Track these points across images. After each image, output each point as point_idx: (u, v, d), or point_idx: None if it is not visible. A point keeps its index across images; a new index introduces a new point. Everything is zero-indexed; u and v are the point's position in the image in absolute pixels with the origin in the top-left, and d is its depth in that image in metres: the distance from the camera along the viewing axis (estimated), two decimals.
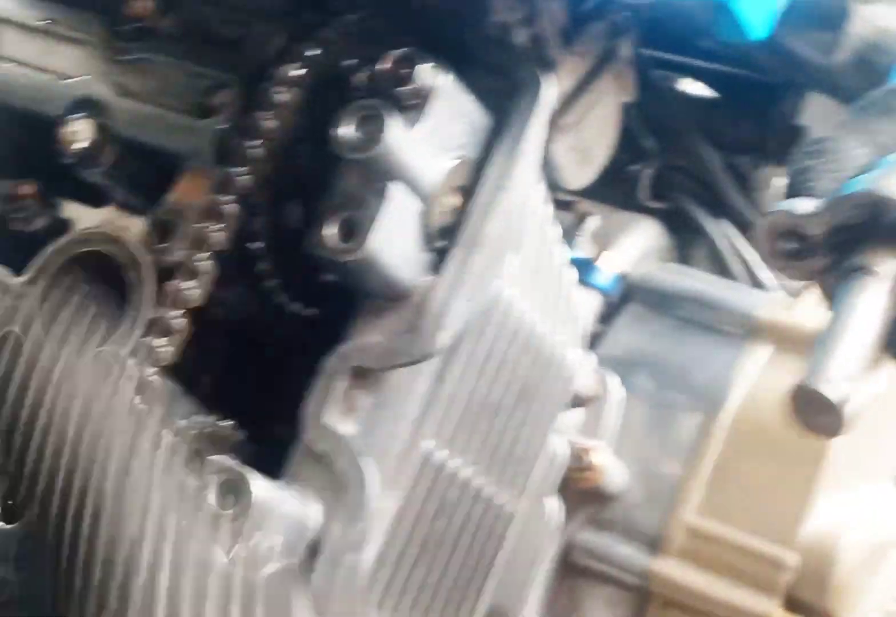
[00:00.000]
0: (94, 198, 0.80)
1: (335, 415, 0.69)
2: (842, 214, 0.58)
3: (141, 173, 0.76)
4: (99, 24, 0.79)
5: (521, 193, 0.76)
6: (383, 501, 0.72)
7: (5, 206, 0.81)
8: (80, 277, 0.76)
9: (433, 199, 0.70)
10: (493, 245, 0.73)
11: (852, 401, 0.55)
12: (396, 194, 0.68)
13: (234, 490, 0.64)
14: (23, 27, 0.80)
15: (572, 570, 0.98)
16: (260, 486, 0.64)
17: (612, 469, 0.95)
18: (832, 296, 0.59)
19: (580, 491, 0.94)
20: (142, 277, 0.72)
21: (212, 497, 0.64)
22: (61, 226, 0.80)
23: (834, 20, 1.03)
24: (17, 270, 0.77)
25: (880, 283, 0.56)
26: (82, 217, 0.81)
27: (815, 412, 0.55)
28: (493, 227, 0.72)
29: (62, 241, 0.76)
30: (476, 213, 0.72)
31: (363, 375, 0.70)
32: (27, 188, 0.79)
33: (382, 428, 0.72)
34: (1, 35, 0.81)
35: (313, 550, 0.68)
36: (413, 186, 0.69)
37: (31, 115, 0.78)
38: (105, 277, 0.75)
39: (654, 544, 0.95)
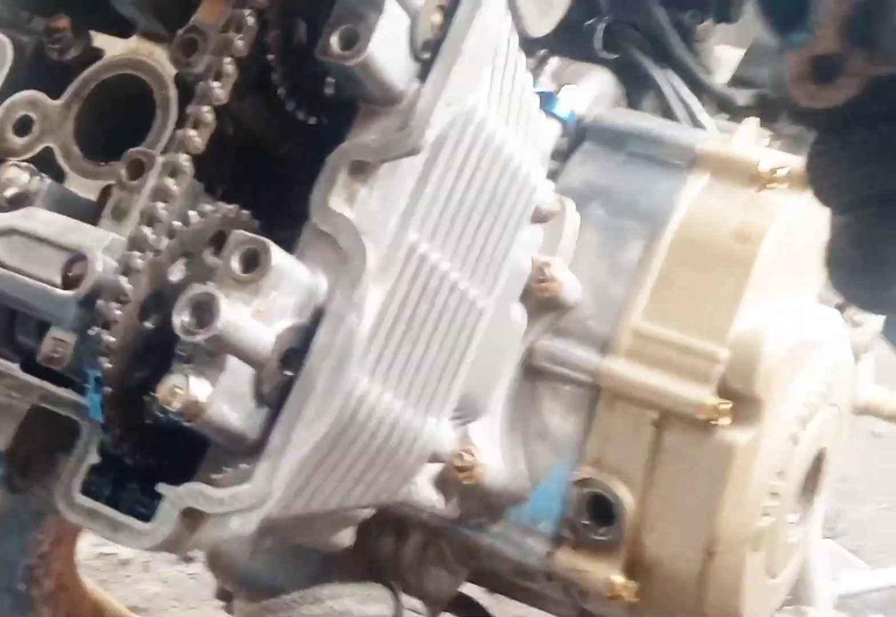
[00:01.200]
0: (122, 29, 0.84)
1: (338, 201, 0.76)
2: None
3: (168, 3, 0.81)
4: None
5: (492, 17, 0.82)
6: (377, 278, 0.79)
7: (43, 38, 0.85)
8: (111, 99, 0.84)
9: (420, 15, 0.77)
10: (470, 59, 0.80)
11: None
12: (389, 9, 0.75)
13: (255, 257, 0.72)
14: None
15: (532, 372, 1.03)
16: (278, 253, 0.72)
17: (568, 282, 1.02)
18: None
19: (540, 300, 1.01)
20: (167, 92, 0.80)
21: (235, 263, 0.72)
22: (93, 54, 0.85)
23: None
24: (55, 96, 0.83)
25: None
26: (112, 46, 0.85)
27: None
28: (470, 42, 0.79)
29: (93, 67, 0.83)
30: (455, 29, 0.79)
31: (361, 169, 0.77)
32: (62, 22, 0.84)
33: (376, 216, 0.79)
34: None
35: (319, 314, 0.76)
36: (403, 3, 0.76)
37: None
38: (136, 100, 0.82)
39: (604, 347, 1.01)
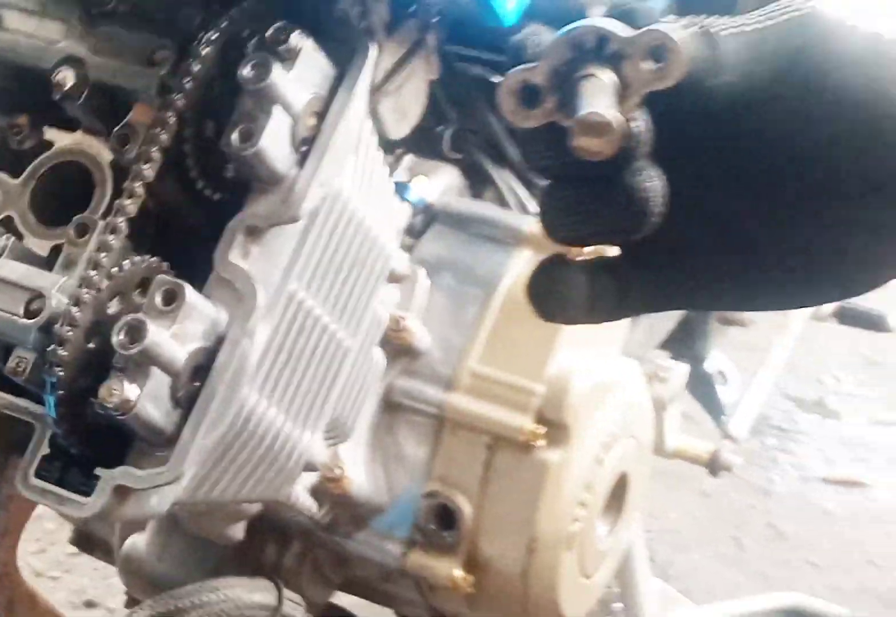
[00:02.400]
0: (69, 125, 0.96)
1: (236, 255, 0.90)
2: (561, 54, 0.58)
3: (105, 106, 0.94)
4: (76, 8, 0.96)
5: (355, 121, 0.96)
6: (265, 316, 0.91)
7: (6, 131, 0.96)
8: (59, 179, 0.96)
9: (299, 118, 0.91)
10: (336, 152, 0.93)
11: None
12: (276, 113, 0.89)
13: (173, 294, 0.86)
14: (22, 10, 0.97)
15: (390, 405, 1.13)
16: (191, 292, 0.86)
17: (419, 333, 1.12)
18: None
19: (396, 347, 1.12)
20: (104, 173, 0.94)
21: (158, 298, 0.86)
22: (45, 144, 0.96)
23: (571, 18, 1.28)
24: (15, 176, 0.95)
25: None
26: (60, 138, 0.96)
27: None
28: (336, 139, 0.93)
29: (46, 154, 0.95)
30: (325, 130, 0.93)
31: (253, 232, 0.91)
32: (22, 119, 0.96)
33: (264, 268, 0.92)
34: (6, 17, 0.97)
35: (220, 340, 0.89)
36: (287, 109, 0.90)
37: (29, 69, 0.95)
38: (79, 180, 0.95)
39: (448, 385, 1.12)
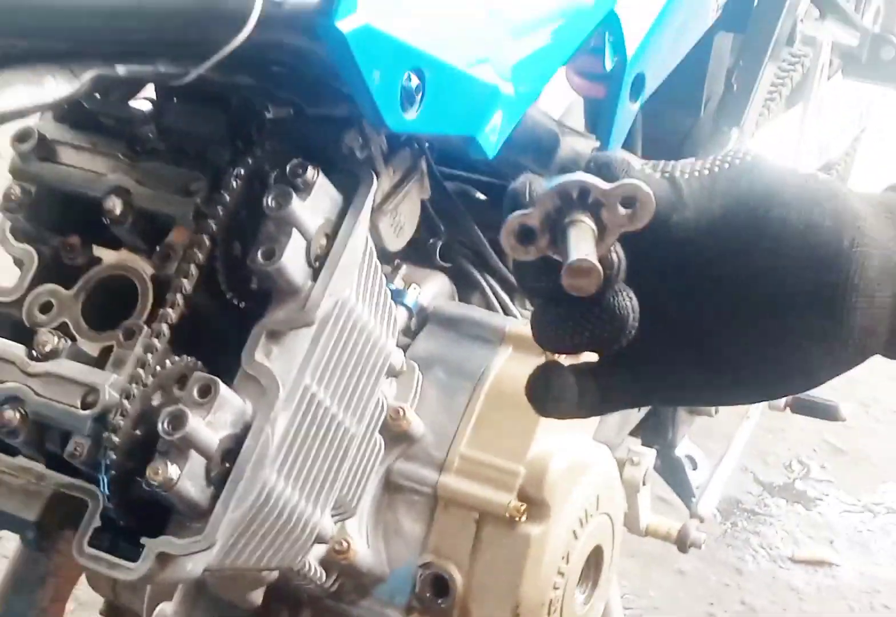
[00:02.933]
0: (115, 244, 1.03)
1: (260, 355, 0.96)
2: (551, 203, 0.65)
3: (148, 229, 1.00)
4: (122, 145, 1.03)
5: (360, 240, 1.01)
6: (284, 407, 0.97)
7: (60, 249, 1.03)
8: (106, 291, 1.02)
9: (313, 240, 0.97)
10: (345, 267, 0.99)
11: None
12: (294, 236, 0.95)
13: (208, 389, 0.92)
14: (75, 147, 1.04)
15: (390, 486, 1.18)
16: (223, 387, 0.92)
17: (415, 421, 1.16)
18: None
19: (395, 434, 1.16)
20: (146, 285, 1.00)
21: (195, 392, 0.92)
22: (94, 260, 1.03)
23: (549, 146, 1.25)
24: (68, 288, 1.01)
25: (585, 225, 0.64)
26: (107, 255, 1.03)
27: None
28: (345, 256, 0.99)
29: (95, 269, 1.02)
30: (335, 249, 0.99)
31: (274, 335, 0.96)
32: (73, 239, 1.02)
33: (284, 366, 0.97)
34: (61, 152, 1.04)
35: (247, 427, 0.95)
36: (303, 232, 0.96)
37: (82, 196, 1.02)
38: (124, 291, 1.01)
39: (441, 467, 1.16)
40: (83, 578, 1.34)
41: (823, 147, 1.91)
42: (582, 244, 0.63)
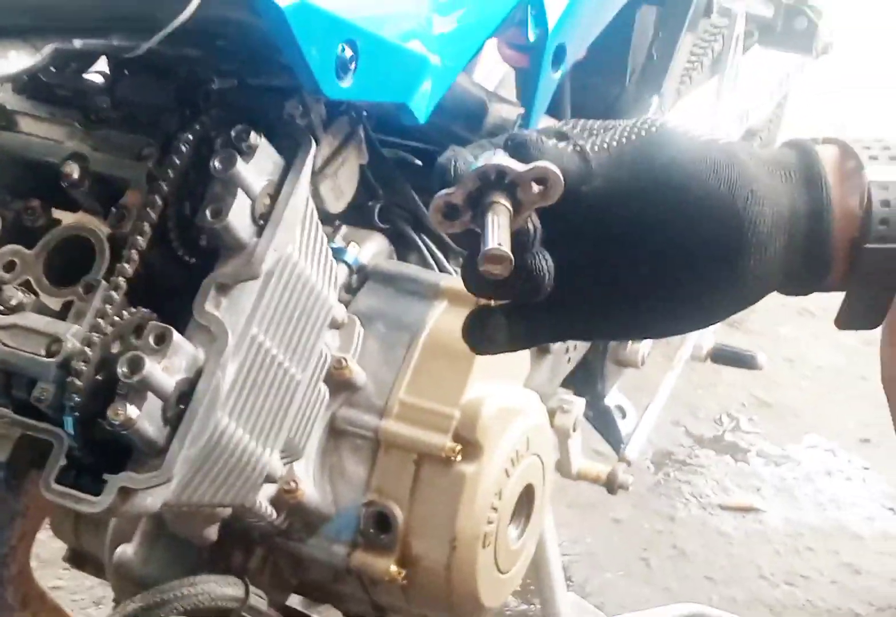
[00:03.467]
0: (73, 207, 1.05)
1: (210, 306, 0.99)
2: (472, 184, 0.71)
3: (103, 192, 1.03)
4: (79, 114, 1.06)
5: (301, 200, 1.04)
6: (233, 354, 1.00)
7: (21, 212, 1.04)
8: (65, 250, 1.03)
9: (257, 199, 1.00)
10: (287, 224, 1.02)
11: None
12: (239, 196, 0.98)
13: (163, 336, 0.95)
14: (34, 116, 1.06)
15: (334, 431, 1.22)
16: (176, 335, 0.95)
17: (357, 370, 1.20)
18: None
19: (338, 382, 1.20)
20: (103, 244, 1.01)
21: (152, 339, 0.95)
22: (54, 222, 1.05)
23: (477, 112, 1.29)
24: (29, 247, 1.02)
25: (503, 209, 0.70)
26: (66, 217, 1.05)
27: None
28: (286, 215, 1.02)
29: (55, 230, 1.03)
30: (277, 207, 1.02)
31: (222, 288, 1.00)
32: (34, 202, 1.05)
33: (232, 316, 1.00)
34: (21, 121, 1.06)
35: (199, 372, 0.98)
36: (247, 192, 0.99)
37: (41, 163, 1.04)
38: (82, 249, 1.02)
39: (381, 413, 1.20)
40: (43, 537, 1.39)
41: (744, 114, 1.96)
42: (497, 230, 0.70)
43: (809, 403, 2.37)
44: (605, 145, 0.76)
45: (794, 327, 2.58)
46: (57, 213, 1.06)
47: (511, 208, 0.71)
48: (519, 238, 0.72)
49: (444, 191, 0.74)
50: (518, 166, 0.72)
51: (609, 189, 0.76)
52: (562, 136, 0.79)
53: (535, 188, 0.72)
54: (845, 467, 2.22)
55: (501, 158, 0.73)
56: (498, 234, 0.69)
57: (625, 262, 0.79)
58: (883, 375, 1.26)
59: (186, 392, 0.98)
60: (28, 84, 1.07)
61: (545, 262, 0.75)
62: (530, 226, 0.74)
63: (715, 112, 1.72)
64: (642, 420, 1.88)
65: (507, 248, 0.69)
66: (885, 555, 1.98)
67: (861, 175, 0.81)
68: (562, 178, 0.72)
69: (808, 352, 2.57)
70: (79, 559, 1.36)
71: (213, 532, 1.17)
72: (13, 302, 0.99)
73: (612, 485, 1.65)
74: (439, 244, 1.40)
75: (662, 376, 1.96)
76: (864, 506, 2.09)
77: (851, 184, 0.81)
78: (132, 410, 0.93)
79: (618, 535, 2.15)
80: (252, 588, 1.19)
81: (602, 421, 1.86)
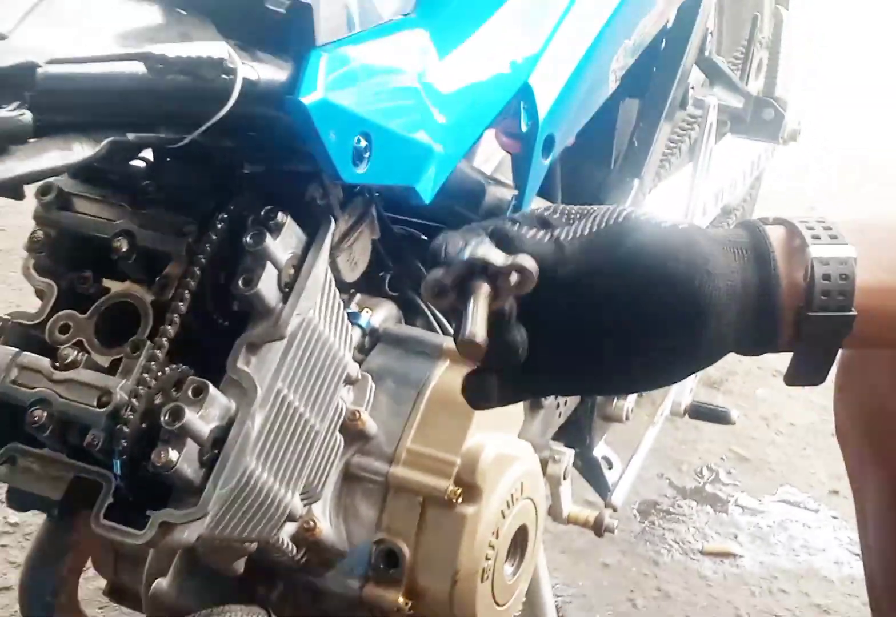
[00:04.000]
0: (122, 277, 1.08)
1: (241, 363, 1.02)
2: (460, 270, 0.77)
3: (148, 264, 1.06)
4: (126, 196, 1.09)
5: (321, 271, 1.07)
6: (262, 405, 1.03)
7: (74, 281, 1.08)
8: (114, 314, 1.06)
9: (283, 270, 1.03)
10: (309, 292, 1.05)
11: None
12: (267, 267, 1.01)
13: (200, 390, 0.99)
14: (88, 198, 1.10)
15: (348, 477, 1.23)
16: (213, 388, 0.99)
17: (369, 422, 1.22)
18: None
19: (352, 432, 1.22)
20: (147, 310, 1.05)
21: (190, 392, 0.98)
22: (104, 290, 1.08)
23: (476, 193, 1.32)
24: (82, 312, 1.06)
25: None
26: (115, 285, 1.08)
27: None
28: (308, 283, 1.05)
29: (104, 297, 1.07)
30: (301, 278, 1.05)
31: (252, 348, 1.03)
32: (87, 273, 1.08)
33: (260, 373, 1.03)
34: (76, 202, 1.09)
35: (231, 421, 1.01)
36: (275, 264, 1.01)
37: (94, 238, 1.07)
38: (129, 314, 1.06)
39: (391, 460, 1.22)
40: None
41: (719, 193, 2.02)
42: (476, 315, 0.76)
43: (783, 458, 2.40)
44: (579, 234, 0.82)
45: (769, 389, 2.63)
46: (106, 283, 1.09)
47: (491, 293, 0.78)
48: (497, 316, 0.79)
49: (435, 272, 0.81)
50: (500, 259, 0.79)
51: (581, 272, 0.81)
52: (544, 222, 0.86)
53: (514, 278, 0.78)
54: (816, 517, 2.23)
55: (487, 249, 0.80)
56: (475, 320, 0.76)
57: (594, 333, 0.84)
58: (835, 426, 1.33)
59: (220, 438, 1.01)
60: (82, 170, 1.10)
61: (518, 336, 0.81)
62: (507, 306, 0.81)
63: (692, 193, 1.78)
64: (627, 470, 1.92)
65: (482, 332, 0.76)
66: (852, 596, 2.00)
67: (805, 252, 0.87)
68: (536, 272, 0.78)
69: (782, 411, 2.61)
70: (118, 593, 1.39)
71: (240, 565, 1.18)
72: (68, 360, 1.03)
73: (598, 528, 1.68)
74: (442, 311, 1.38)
75: (645, 431, 2.00)
76: (833, 551, 2.10)
77: (796, 260, 0.88)
78: (173, 454, 0.96)
79: (607, 578, 2.15)
80: None
81: (590, 471, 1.90)
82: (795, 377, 0.91)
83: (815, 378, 0.90)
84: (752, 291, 0.84)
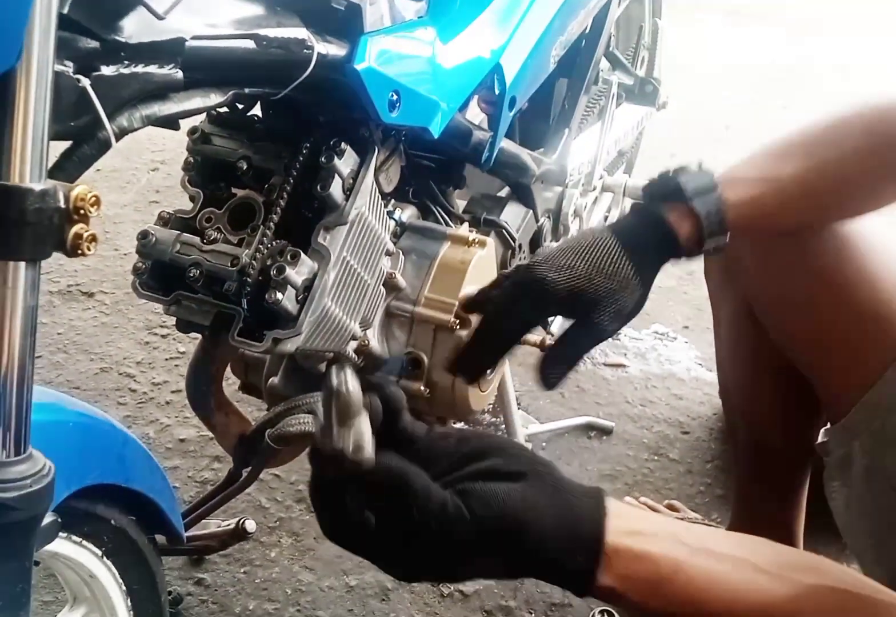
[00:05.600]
0: (243, 186, 1.02)
1: (321, 239, 0.98)
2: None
3: (260, 176, 1.00)
4: (244, 134, 1.02)
5: (369, 182, 1.01)
6: (334, 265, 1.00)
7: (214, 190, 1.02)
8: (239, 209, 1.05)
9: (345, 179, 0.99)
10: (363, 194, 0.99)
11: None
12: (335, 178, 0.96)
13: (296, 256, 0.94)
14: (220, 136, 1.02)
15: (388, 314, 1.18)
16: (302, 254, 0.95)
17: (401, 279, 1.14)
18: None
19: (390, 286, 1.15)
20: (261, 206, 1.01)
21: (288, 257, 0.96)
22: (232, 195, 1.03)
23: (466, 134, 1.23)
24: (219, 208, 1.02)
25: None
26: (239, 192, 1.02)
27: None
28: (362, 189, 1.00)
29: (234, 199, 1.01)
30: (356, 185, 0.99)
31: (328, 229, 0.98)
32: (221, 184, 1.02)
33: (333, 245, 0.98)
34: (212, 138, 1.01)
35: (314, 275, 0.97)
36: (340, 175, 0.96)
37: (224, 162, 1.01)
38: (247, 209, 1.06)
39: (414, 302, 1.16)
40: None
41: (618, 140, 1.98)
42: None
43: (654, 306, 2.40)
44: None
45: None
46: (234, 190, 1.04)
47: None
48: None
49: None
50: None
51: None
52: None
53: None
54: (674, 343, 2.22)
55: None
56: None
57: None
58: (704, 268, 1.25)
59: (308, 286, 0.98)
60: (218, 117, 1.05)
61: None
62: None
63: (600, 141, 1.74)
64: None
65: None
66: (697, 389, 2.01)
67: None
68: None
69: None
70: (247, 388, 1.33)
71: (322, 366, 1.12)
72: (211, 238, 1.00)
73: (543, 346, 1.65)
74: (447, 212, 1.32)
75: None
76: (685, 363, 2.11)
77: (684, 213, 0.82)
78: (279, 295, 0.94)
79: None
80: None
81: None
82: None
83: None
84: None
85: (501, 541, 0.54)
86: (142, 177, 2.78)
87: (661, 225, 0.79)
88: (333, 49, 0.88)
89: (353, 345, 1.12)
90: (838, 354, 0.94)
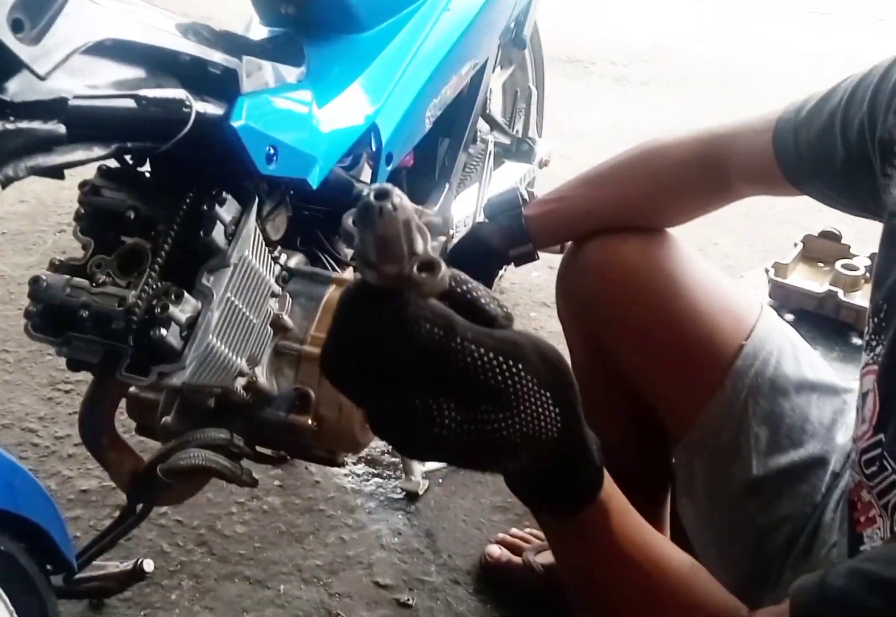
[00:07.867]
0: (133, 234, 1.03)
1: (204, 280, 1.00)
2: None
3: (149, 225, 1.02)
4: (134, 186, 1.08)
5: (251, 228, 1.04)
6: (218, 305, 1.01)
7: (104, 238, 1.04)
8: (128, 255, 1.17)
9: (227, 225, 1.02)
10: (245, 240, 1.03)
11: None
12: (218, 224, 0.99)
13: (180, 295, 0.98)
14: (110, 188, 1.04)
15: (276, 352, 1.19)
16: (186, 294, 0.97)
17: (288, 320, 1.19)
18: None
19: (277, 326, 1.18)
20: (148, 253, 1.12)
21: (173, 297, 0.99)
22: (122, 242, 1.03)
23: (346, 187, 1.31)
24: (108, 255, 1.05)
25: None
26: (128, 239, 1.04)
27: None
28: (244, 233, 1.02)
29: (123, 246, 1.02)
30: (239, 230, 1.02)
31: (211, 271, 1.02)
32: (111, 233, 1.02)
33: (217, 286, 1.00)
34: (102, 190, 1.05)
35: (198, 314, 1.00)
36: (222, 222, 1.00)
37: (115, 212, 1.02)
38: (136, 255, 1.13)
39: (302, 342, 1.19)
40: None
41: None
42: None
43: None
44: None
45: (538, 313, 2.66)
46: (123, 238, 1.04)
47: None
48: None
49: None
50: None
51: None
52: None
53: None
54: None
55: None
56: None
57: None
58: (557, 308, 1.32)
59: (192, 323, 0.99)
60: (106, 170, 1.07)
61: None
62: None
63: (479, 195, 1.82)
64: None
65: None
66: None
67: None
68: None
69: (546, 324, 2.65)
70: (144, 430, 1.33)
71: (212, 402, 1.17)
72: (101, 281, 1.00)
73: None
74: (333, 258, 1.39)
75: None
76: None
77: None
78: (163, 331, 0.95)
79: None
80: (235, 436, 1.16)
81: None
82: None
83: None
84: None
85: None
86: (48, 238, 2.75)
87: (483, 240, 0.94)
88: (211, 108, 0.92)
89: (241, 381, 1.13)
90: (674, 380, 1.00)
